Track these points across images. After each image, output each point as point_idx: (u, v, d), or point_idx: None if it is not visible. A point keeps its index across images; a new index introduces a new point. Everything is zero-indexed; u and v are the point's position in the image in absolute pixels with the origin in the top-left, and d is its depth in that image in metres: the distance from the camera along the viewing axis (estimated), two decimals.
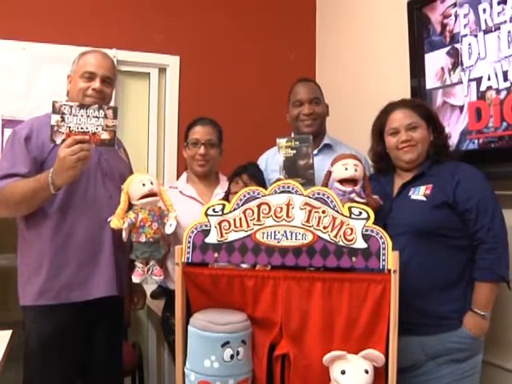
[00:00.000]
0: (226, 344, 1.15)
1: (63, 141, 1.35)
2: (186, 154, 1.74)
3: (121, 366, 1.68)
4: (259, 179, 1.52)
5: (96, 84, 1.53)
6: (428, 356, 1.39)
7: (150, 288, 1.88)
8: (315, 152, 1.74)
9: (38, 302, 1.46)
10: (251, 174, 1.51)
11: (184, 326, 1.23)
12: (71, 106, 1.37)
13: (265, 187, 1.32)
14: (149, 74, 2.55)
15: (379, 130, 1.54)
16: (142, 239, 1.37)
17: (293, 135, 1.77)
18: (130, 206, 1.42)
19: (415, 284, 1.34)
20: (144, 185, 1.39)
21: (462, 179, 1.39)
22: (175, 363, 1.26)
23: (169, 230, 1.41)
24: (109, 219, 1.39)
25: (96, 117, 1.38)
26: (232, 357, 1.15)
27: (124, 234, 1.37)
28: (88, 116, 1.37)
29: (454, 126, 1.74)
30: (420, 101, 1.67)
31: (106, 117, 1.38)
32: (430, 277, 1.38)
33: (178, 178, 2.15)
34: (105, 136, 1.38)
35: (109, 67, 1.58)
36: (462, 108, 1.73)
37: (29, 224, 1.50)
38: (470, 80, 1.69)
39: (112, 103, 1.63)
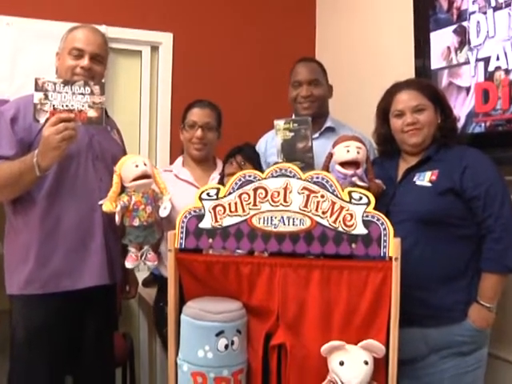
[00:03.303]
0: (220, 333, 1.13)
1: (47, 120, 1.29)
2: (182, 136, 1.70)
3: (112, 356, 1.64)
4: (254, 161, 1.48)
5: (85, 62, 1.47)
6: (431, 349, 1.37)
7: (141, 276, 1.84)
8: (317, 135, 1.70)
9: (25, 291, 1.43)
10: (246, 156, 1.47)
11: (177, 315, 1.20)
12: (55, 83, 1.31)
13: (261, 169, 1.28)
14: (140, 52, 2.49)
15: (384, 111, 1.49)
16: (136, 223, 1.34)
17: (294, 117, 1.72)
18: (123, 189, 1.37)
19: (417, 273, 1.30)
20: (137, 166, 1.35)
21: (469, 165, 1.35)
22: (167, 354, 1.23)
23: (163, 213, 1.37)
24: (100, 202, 1.35)
25: (82, 93, 1.32)
26: (226, 347, 1.13)
27: (117, 218, 1.32)
28: (73, 93, 1.32)
29: (460, 108, 1.70)
30: (427, 81, 1.62)
31: (92, 93, 1.33)
32: (433, 266, 1.34)
33: (171, 161, 2.10)
34: (92, 113, 1.33)
35: (99, 44, 1.51)
36: (468, 89, 1.68)
37: (16, 210, 1.45)
38: (477, 60, 1.64)
39: None
